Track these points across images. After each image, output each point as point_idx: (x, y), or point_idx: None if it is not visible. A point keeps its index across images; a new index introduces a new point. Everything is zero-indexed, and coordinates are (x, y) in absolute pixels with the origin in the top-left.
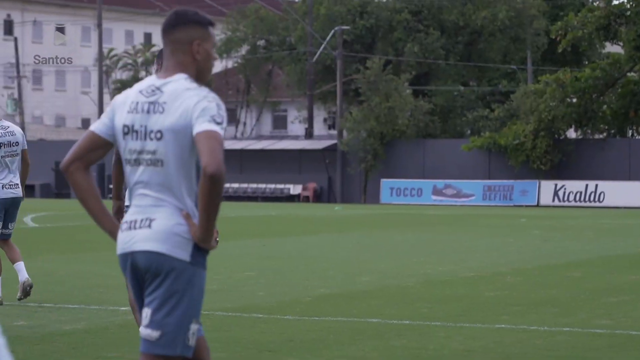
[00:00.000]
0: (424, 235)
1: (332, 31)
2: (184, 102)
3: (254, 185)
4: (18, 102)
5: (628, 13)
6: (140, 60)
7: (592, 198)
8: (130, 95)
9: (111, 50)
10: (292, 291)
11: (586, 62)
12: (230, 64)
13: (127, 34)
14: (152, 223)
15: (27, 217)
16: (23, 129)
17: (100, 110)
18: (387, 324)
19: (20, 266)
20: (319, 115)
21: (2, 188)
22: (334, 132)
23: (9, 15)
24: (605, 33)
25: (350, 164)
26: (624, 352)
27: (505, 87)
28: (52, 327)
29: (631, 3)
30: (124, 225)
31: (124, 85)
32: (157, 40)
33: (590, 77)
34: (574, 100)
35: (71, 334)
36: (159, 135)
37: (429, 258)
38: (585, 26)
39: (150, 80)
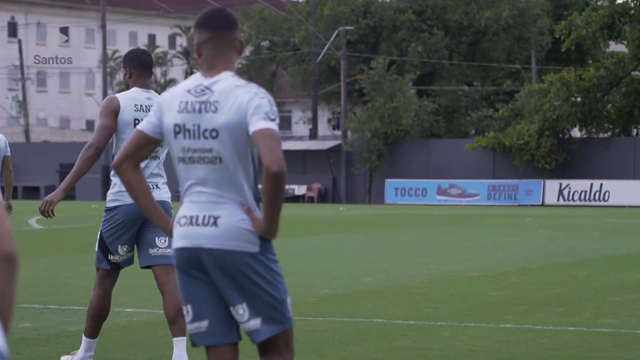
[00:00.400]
0: (429, 235)
1: (336, 31)
2: (237, 99)
3: (259, 186)
4: (22, 104)
5: (632, 12)
6: None
7: (597, 197)
8: (177, 94)
9: (115, 51)
10: (296, 292)
11: (590, 61)
12: None
13: (131, 35)
14: (217, 221)
15: (32, 219)
16: (27, 131)
17: None
18: (392, 324)
19: None
20: (323, 116)
21: None
22: (338, 132)
23: (12, 18)
24: (609, 32)
25: (354, 165)
26: (629, 351)
27: (510, 87)
28: (58, 329)
29: (635, 2)
30: (182, 220)
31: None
32: (161, 41)
33: (594, 76)
34: (579, 99)
35: (76, 336)
36: (214, 133)
37: (434, 258)
38: (590, 25)
39: (197, 80)
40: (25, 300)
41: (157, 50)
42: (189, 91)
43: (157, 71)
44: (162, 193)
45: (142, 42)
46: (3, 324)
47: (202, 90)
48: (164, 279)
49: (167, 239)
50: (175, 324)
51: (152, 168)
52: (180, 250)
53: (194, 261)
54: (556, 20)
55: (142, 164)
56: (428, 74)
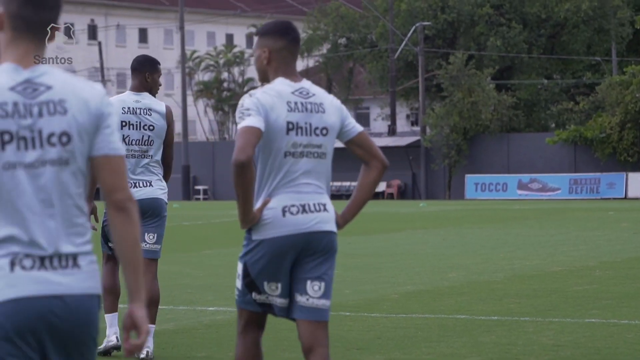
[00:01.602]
0: (510, 230)
1: (413, 27)
2: (333, 103)
3: (338, 184)
4: None
5: None
6: (222, 61)
7: None
8: (283, 95)
9: (194, 52)
10: (378, 288)
11: None
12: (311, 62)
13: (208, 35)
14: (326, 207)
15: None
16: None
17: (185, 112)
18: (476, 320)
19: None
20: (402, 112)
21: None
22: (417, 128)
23: (92, 20)
24: None
25: (434, 160)
26: None
27: (590, 79)
28: None
29: None
30: (293, 209)
31: (206, 86)
32: (238, 41)
33: None
34: None
35: (160, 334)
36: (324, 131)
37: (516, 253)
38: None
39: (295, 84)
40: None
41: (235, 50)
42: (293, 93)
43: (235, 70)
44: (154, 190)
45: (219, 42)
46: (134, 270)
47: (307, 93)
48: (145, 270)
49: (155, 235)
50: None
51: (141, 167)
52: (289, 237)
53: (302, 243)
54: (637, 11)
55: (130, 164)
56: (507, 68)
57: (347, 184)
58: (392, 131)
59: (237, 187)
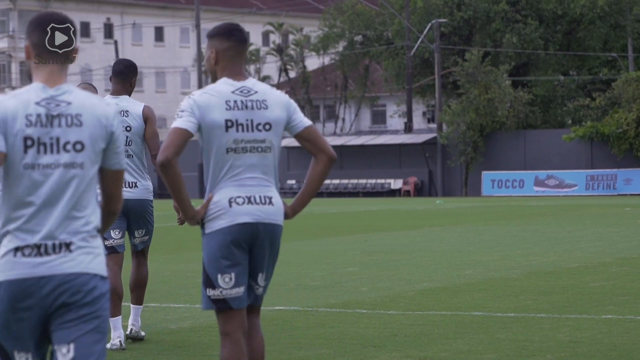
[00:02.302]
0: (527, 226)
1: (429, 24)
2: (278, 99)
3: (355, 181)
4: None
5: None
6: None
7: None
8: (223, 94)
9: None
10: (395, 286)
11: None
12: (327, 60)
13: None
14: (272, 200)
15: None
16: None
17: None
18: (492, 316)
19: None
20: (418, 109)
21: None
22: (433, 125)
23: (108, 19)
24: None
25: (450, 157)
26: None
27: (606, 75)
28: (158, 327)
29: None
30: (239, 200)
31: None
32: (254, 39)
33: None
34: None
35: (177, 333)
36: (267, 127)
37: (533, 250)
38: None
39: (237, 83)
40: (126, 299)
41: (251, 48)
42: (234, 92)
43: (251, 68)
44: (140, 192)
45: None
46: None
47: (248, 91)
48: (134, 258)
49: (144, 230)
50: (134, 293)
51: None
52: (238, 226)
53: (249, 234)
54: None
55: None
56: (523, 65)
57: (345, 181)
58: (408, 128)
59: (166, 185)
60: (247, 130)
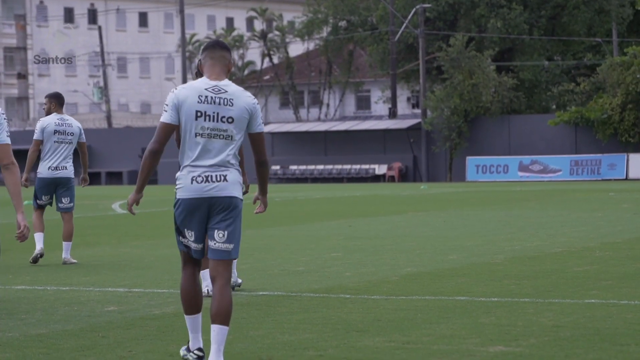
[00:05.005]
0: (511, 212)
1: (414, 9)
2: (244, 102)
3: (339, 167)
4: (104, 91)
5: None
6: None
7: None
8: (197, 90)
9: (193, 35)
10: (379, 271)
11: None
12: (312, 45)
13: (209, 19)
14: (227, 177)
15: (115, 204)
16: (109, 116)
17: None
18: (476, 301)
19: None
20: (403, 95)
21: (49, 169)
22: (417, 111)
23: (92, 5)
24: None
25: (434, 143)
26: None
27: (591, 60)
28: (142, 312)
29: None
30: (199, 179)
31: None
32: (239, 24)
33: None
34: None
35: (161, 318)
36: (230, 120)
37: (517, 235)
38: None
39: (212, 82)
40: (110, 284)
41: (234, 33)
42: (207, 89)
43: (235, 54)
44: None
45: (219, 26)
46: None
47: (219, 90)
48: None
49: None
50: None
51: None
52: (192, 200)
53: (204, 204)
54: None
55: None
56: (508, 50)
57: (329, 167)
58: (393, 114)
59: (143, 168)
60: (213, 120)
